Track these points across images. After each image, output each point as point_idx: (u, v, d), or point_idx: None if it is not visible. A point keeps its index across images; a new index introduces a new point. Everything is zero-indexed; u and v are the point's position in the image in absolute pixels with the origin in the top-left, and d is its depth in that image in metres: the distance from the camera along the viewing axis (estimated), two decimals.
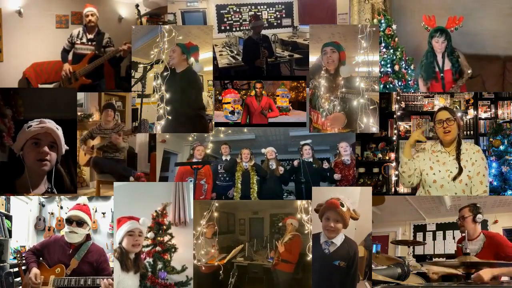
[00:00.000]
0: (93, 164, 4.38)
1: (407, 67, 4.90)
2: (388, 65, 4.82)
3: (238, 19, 5.50)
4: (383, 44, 4.82)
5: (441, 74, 4.54)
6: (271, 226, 3.56)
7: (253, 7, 5.44)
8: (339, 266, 2.94)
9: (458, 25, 4.54)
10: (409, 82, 4.90)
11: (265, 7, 5.48)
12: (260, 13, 5.44)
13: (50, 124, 2.99)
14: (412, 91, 4.92)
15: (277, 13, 5.54)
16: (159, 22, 5.42)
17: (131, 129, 4.27)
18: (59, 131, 3.01)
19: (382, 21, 4.89)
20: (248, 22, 5.36)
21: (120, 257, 3.08)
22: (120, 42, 4.80)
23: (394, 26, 4.89)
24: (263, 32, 5.00)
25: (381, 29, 4.85)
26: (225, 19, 5.52)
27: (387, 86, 4.82)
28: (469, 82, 4.72)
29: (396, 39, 4.90)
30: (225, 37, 5.48)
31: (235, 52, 5.27)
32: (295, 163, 4.33)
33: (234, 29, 5.48)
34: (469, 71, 4.58)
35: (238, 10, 5.46)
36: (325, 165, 4.38)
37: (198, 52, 4.00)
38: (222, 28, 5.53)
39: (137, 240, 3.12)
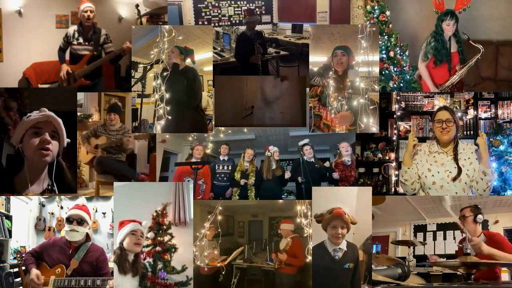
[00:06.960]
0: (97, 163, 4.31)
1: (402, 53, 4.88)
2: (383, 52, 4.80)
3: (217, 14, 5.26)
4: None
5: (449, 57, 4.55)
6: (270, 229, 3.56)
7: (232, 2, 5.22)
8: (349, 268, 3.06)
9: (466, 5, 4.51)
10: (405, 68, 4.88)
11: (245, 2, 5.25)
12: (253, 8, 5.22)
13: (51, 113, 2.91)
14: (408, 77, 4.89)
15: (257, 9, 5.34)
16: (159, 22, 5.40)
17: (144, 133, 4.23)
18: (61, 121, 2.93)
19: (376, 7, 4.83)
20: (243, 17, 5.12)
21: (119, 260, 3.08)
22: (120, 43, 4.76)
23: (388, 13, 4.84)
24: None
25: (375, 15, 4.81)
26: (203, 14, 5.25)
27: (383, 72, 4.79)
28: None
29: (390, 25, 4.87)
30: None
31: (219, 48, 5.12)
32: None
33: (213, 25, 5.20)
34: (478, 56, 4.51)
35: (217, 4, 5.23)
36: (327, 163, 4.41)
37: (193, 54, 4.04)
38: (200, 23, 5.26)
39: (139, 239, 3.14)
